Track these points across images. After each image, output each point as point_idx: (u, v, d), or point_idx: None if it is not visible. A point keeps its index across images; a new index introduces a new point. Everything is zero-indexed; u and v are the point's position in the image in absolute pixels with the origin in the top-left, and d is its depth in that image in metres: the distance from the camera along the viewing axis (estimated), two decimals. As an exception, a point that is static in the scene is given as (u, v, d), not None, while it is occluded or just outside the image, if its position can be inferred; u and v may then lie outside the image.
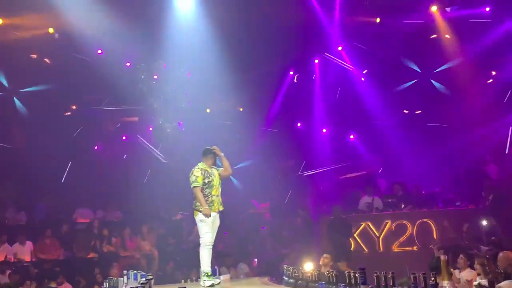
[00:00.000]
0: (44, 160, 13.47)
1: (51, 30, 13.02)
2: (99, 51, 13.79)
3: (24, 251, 11.97)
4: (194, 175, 7.50)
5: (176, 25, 13.32)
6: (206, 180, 7.50)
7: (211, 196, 7.50)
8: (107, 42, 13.09)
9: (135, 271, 6.16)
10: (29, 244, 12.13)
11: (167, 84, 13.95)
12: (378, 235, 11.64)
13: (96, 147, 15.70)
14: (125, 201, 13.76)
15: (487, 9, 13.39)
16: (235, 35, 13.34)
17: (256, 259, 12.89)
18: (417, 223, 11.47)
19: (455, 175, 14.00)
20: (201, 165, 7.65)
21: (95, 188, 14.18)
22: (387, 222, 11.65)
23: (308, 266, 6.35)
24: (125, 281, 6.11)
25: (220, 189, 7.67)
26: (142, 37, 12.89)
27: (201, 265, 7.35)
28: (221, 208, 7.61)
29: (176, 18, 13.40)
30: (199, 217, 7.43)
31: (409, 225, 11.50)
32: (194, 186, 7.45)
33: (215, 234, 7.56)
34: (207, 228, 7.38)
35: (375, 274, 4.38)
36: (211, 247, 7.43)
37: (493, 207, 11.24)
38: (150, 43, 13.28)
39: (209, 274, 7.29)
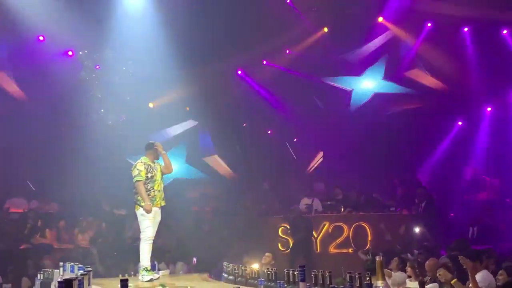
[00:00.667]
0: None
1: None
2: (41, 38, 13.41)
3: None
4: (137, 169, 7.43)
5: (124, 13, 13.11)
6: (149, 175, 7.45)
7: (153, 191, 7.45)
8: (49, 28, 12.71)
9: (72, 263, 6.01)
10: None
11: (111, 75, 13.69)
12: (316, 236, 11.90)
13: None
14: (62, 192, 13.36)
15: None
16: (184, 28, 13.28)
17: (195, 258, 12.86)
18: (353, 226, 11.81)
19: (391, 181, 14.59)
20: (144, 159, 7.59)
21: (30, 177, 13.72)
22: (325, 224, 11.93)
23: (254, 266, 6.42)
24: (61, 273, 5.95)
25: (162, 184, 7.65)
26: (87, 24, 12.59)
27: (140, 259, 7.31)
28: (163, 203, 7.57)
29: (124, 6, 13.19)
30: (140, 211, 7.38)
31: (345, 228, 11.83)
32: (137, 180, 7.38)
33: (155, 229, 7.52)
34: (148, 223, 7.35)
35: (313, 273, 4.52)
36: (152, 242, 7.39)
37: (425, 213, 11.79)
38: (95, 31, 12.99)
39: (148, 269, 7.27)
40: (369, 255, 9.50)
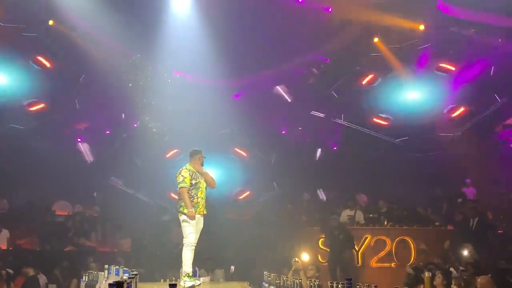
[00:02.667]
0: (26, 151, 13.39)
1: (50, 22, 13.00)
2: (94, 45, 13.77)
3: (0, 239, 11.82)
4: (182, 176, 7.45)
5: (172, 23, 13.36)
6: (193, 182, 7.47)
7: (197, 198, 7.47)
8: (103, 37, 13.09)
9: (117, 266, 6.10)
10: (5, 232, 11.98)
11: (159, 82, 13.92)
12: (357, 249, 11.69)
13: (79, 139, 15.58)
14: (106, 196, 13.68)
15: None
16: (230, 39, 13.42)
17: (233, 267, 12.88)
18: (396, 239, 11.54)
19: (435, 195, 14.24)
20: (189, 166, 7.61)
21: (75, 182, 14.08)
22: (367, 237, 11.71)
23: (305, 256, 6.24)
24: (106, 276, 6.05)
25: (205, 192, 7.64)
26: (138, 32, 12.90)
27: (182, 265, 7.32)
28: (205, 212, 7.58)
29: (173, 16, 13.44)
30: (182, 217, 7.41)
31: (388, 241, 11.58)
32: (181, 187, 7.41)
33: (198, 235, 7.55)
34: (191, 229, 7.37)
35: (358, 286, 4.44)
36: (194, 248, 7.40)
37: (477, 230, 11.45)
38: (146, 39, 13.29)
39: (190, 275, 7.29)
40: (413, 270, 9.25)
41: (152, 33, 13.21)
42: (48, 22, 12.98)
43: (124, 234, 12.85)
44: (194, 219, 7.36)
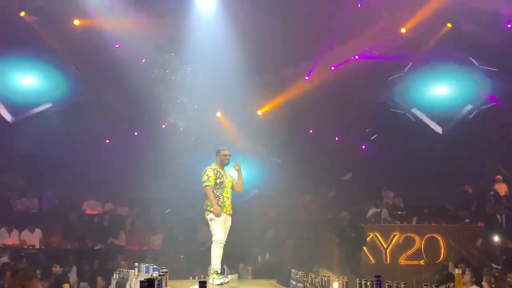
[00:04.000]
0: (55, 151, 13.66)
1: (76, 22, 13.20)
2: (117, 45, 13.98)
3: (33, 238, 12.10)
4: (207, 175, 7.47)
5: (196, 23, 13.44)
6: (218, 181, 7.48)
7: (223, 197, 7.48)
8: (126, 37, 13.24)
9: (147, 264, 6.17)
10: (38, 232, 12.26)
11: (187, 79, 13.99)
12: (385, 247, 11.60)
13: (107, 141, 15.83)
14: (136, 194, 13.85)
15: None
16: (255, 36, 13.43)
17: (268, 253, 12.94)
18: (425, 237, 11.41)
19: (464, 192, 14.00)
20: (214, 165, 7.62)
21: (104, 181, 14.29)
22: (395, 234, 11.61)
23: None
24: (136, 273, 6.12)
25: (230, 192, 7.64)
26: (161, 35, 13.01)
27: (211, 262, 7.36)
28: (231, 212, 7.56)
29: (197, 17, 13.52)
30: (210, 216, 7.42)
31: (417, 239, 11.46)
32: (206, 186, 7.43)
33: (226, 233, 7.56)
34: (219, 226, 7.36)
35: (387, 283, 4.40)
36: (223, 245, 7.41)
37: (506, 225, 11.24)
38: (169, 40, 13.40)
39: (219, 272, 7.32)
40: (444, 268, 9.11)
41: (179, 31, 13.31)
42: (73, 22, 13.17)
43: (155, 231, 12.99)
44: (220, 216, 7.36)
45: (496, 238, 10.59)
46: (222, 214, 7.38)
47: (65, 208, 13.62)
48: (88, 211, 13.78)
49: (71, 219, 13.17)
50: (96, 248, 12.41)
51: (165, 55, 13.59)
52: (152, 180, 13.37)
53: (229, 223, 7.58)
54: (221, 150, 7.72)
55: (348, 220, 11.79)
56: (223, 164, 7.63)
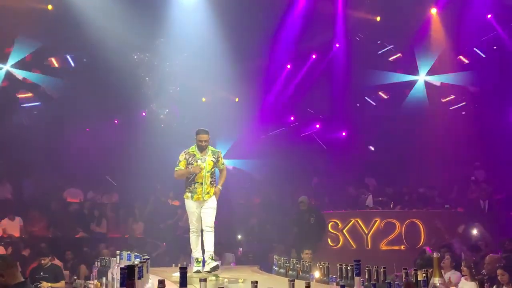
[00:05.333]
0: (36, 139, 13.49)
1: (49, 7, 12.96)
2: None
3: (14, 227, 11.98)
4: (178, 159, 7.16)
5: (179, 6, 13.33)
6: (190, 166, 7.05)
7: (194, 183, 7.06)
8: (108, 23, 13.06)
9: (129, 252, 6.15)
10: (18, 220, 12.14)
11: (166, 65, 13.90)
12: (366, 232, 11.73)
13: (87, 129, 15.67)
14: (118, 182, 13.77)
15: None
16: (238, 24, 13.39)
17: (240, 249, 13.00)
18: (405, 222, 11.56)
19: (444, 178, 14.19)
20: (192, 148, 7.20)
21: (87, 169, 14.19)
22: (376, 220, 11.74)
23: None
24: (118, 261, 6.11)
25: (209, 179, 7.13)
26: (143, 20, 12.87)
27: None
28: (205, 198, 7.07)
29: (180, 3, 13.41)
30: (185, 202, 7.24)
31: (398, 224, 11.60)
32: (175, 171, 7.13)
33: (208, 218, 7.05)
34: (190, 215, 7.19)
35: (367, 268, 4.46)
36: (197, 234, 7.16)
37: (487, 212, 11.45)
38: (151, 26, 13.26)
39: (199, 260, 7.14)
40: (424, 251, 9.27)
41: (159, 21, 13.19)
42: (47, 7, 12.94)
43: (136, 219, 12.96)
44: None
45: (477, 224, 10.77)
46: (191, 202, 7.09)
47: (45, 197, 13.49)
48: (70, 199, 13.68)
49: (52, 208, 13.05)
50: (78, 236, 12.33)
51: (154, 41, 13.47)
52: (133, 167, 13.28)
53: (209, 205, 7.12)
54: (198, 133, 7.19)
55: (307, 204, 11.72)
56: (200, 147, 7.18)
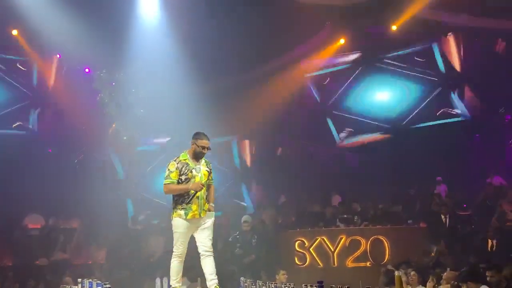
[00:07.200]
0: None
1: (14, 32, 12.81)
2: (58, 55, 13.67)
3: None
4: (168, 169, 6.09)
5: (141, 31, 13.32)
6: (183, 177, 6.07)
7: (188, 198, 6.02)
8: (67, 46, 12.96)
9: (90, 279, 6.04)
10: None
11: (126, 90, 13.83)
12: (333, 250, 11.77)
13: (49, 150, 15.33)
14: (80, 207, 13.48)
15: None
16: (198, 46, 13.44)
17: (199, 278, 12.77)
18: (370, 239, 11.65)
19: (407, 194, 14.44)
20: (183, 155, 6.18)
21: (48, 194, 13.83)
22: (342, 237, 11.79)
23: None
24: (80, 290, 6.00)
25: (205, 193, 6.19)
26: (104, 43, 12.80)
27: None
28: (202, 215, 6.13)
29: (140, 26, 13.40)
30: (173, 221, 6.15)
31: (363, 241, 11.68)
32: (164, 184, 6.07)
33: (207, 240, 6.16)
34: (179, 236, 6.10)
35: (331, 287, 4.50)
36: (182, 260, 6.19)
37: (448, 226, 11.69)
38: (112, 49, 13.20)
39: None
40: (387, 269, 9.37)
41: (120, 38, 13.13)
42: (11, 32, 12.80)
43: (99, 245, 12.69)
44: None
45: (439, 239, 10.96)
46: (183, 221, 6.08)
47: (5, 224, 13.06)
48: (31, 226, 13.31)
49: (13, 235, 12.68)
50: (38, 263, 11.98)
51: (103, 72, 13.37)
52: (95, 191, 13.07)
53: (207, 224, 6.20)
54: (199, 138, 6.14)
55: (250, 225, 11.57)
56: (197, 155, 6.20)
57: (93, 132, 14.61)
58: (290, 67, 15.83)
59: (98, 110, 13.95)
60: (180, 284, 6.27)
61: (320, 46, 15.61)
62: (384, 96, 16.24)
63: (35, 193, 13.54)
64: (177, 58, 13.40)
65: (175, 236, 6.16)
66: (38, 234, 12.86)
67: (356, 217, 12.54)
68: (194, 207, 6.08)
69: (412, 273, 8.21)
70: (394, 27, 14.76)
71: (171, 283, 6.25)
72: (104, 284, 5.42)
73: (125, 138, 14.06)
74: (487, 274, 6.77)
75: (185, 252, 6.21)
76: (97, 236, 12.82)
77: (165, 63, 13.50)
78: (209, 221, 6.20)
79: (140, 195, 14.74)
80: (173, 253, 6.18)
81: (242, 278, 7.27)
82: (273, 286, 5.99)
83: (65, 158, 14.58)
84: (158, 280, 7.79)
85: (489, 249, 10.80)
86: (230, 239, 11.71)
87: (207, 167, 6.27)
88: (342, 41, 15.58)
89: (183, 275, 6.37)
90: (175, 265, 6.17)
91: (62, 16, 12.31)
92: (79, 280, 6.02)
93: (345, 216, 12.79)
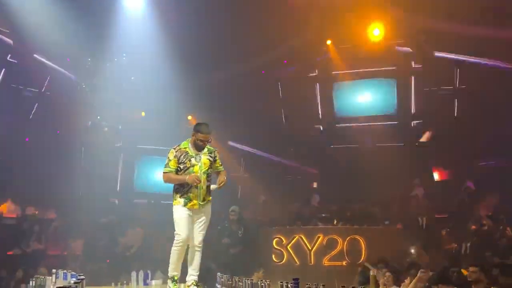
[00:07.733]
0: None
1: None
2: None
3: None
4: (168, 158, 6.10)
5: (124, 21, 13.23)
6: (182, 166, 6.07)
7: (188, 187, 6.05)
8: (50, 35, 12.79)
9: (65, 271, 6.00)
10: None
11: (109, 84, 13.75)
12: (310, 248, 11.87)
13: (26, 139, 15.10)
14: (58, 197, 13.31)
15: None
16: (183, 39, 13.37)
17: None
18: (347, 239, 11.77)
19: (385, 194, 14.60)
20: (184, 143, 6.18)
21: (25, 182, 13.64)
22: (319, 236, 11.90)
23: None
24: (54, 280, 5.94)
25: (205, 183, 6.18)
26: (87, 32, 12.67)
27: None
28: (201, 204, 6.16)
29: (124, 15, 13.31)
30: (173, 209, 6.18)
31: (340, 240, 11.79)
32: (163, 172, 6.08)
33: (199, 235, 6.21)
34: (180, 222, 6.08)
35: (307, 285, 4.54)
36: (185, 246, 6.16)
37: (426, 228, 11.86)
38: (95, 40, 13.08)
39: (175, 278, 6.29)
40: (363, 269, 9.47)
41: (104, 29, 13.01)
42: None
43: (76, 236, 12.58)
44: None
45: (414, 240, 11.12)
46: (183, 208, 6.11)
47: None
48: (6, 215, 13.11)
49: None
50: (11, 253, 11.83)
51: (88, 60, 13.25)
52: (73, 181, 12.95)
53: (203, 217, 6.26)
54: (199, 131, 6.09)
55: (237, 214, 11.64)
56: (197, 145, 6.16)
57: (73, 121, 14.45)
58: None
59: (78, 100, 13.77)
60: (178, 273, 6.26)
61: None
62: (367, 97, 16.26)
63: (11, 182, 13.35)
64: (163, 50, 13.30)
65: (175, 223, 6.16)
66: (14, 223, 12.65)
67: (334, 218, 12.65)
68: (193, 197, 6.12)
69: (387, 274, 8.29)
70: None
71: (169, 271, 6.28)
72: (79, 275, 5.37)
73: (106, 129, 13.95)
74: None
75: (187, 239, 6.13)
76: (73, 228, 12.67)
77: (152, 52, 13.40)
78: (206, 214, 6.26)
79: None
80: (174, 241, 6.17)
81: (218, 274, 7.28)
82: (249, 282, 6.01)
83: (43, 145, 14.34)
84: (134, 274, 7.77)
85: (462, 252, 10.99)
86: (218, 227, 11.71)
87: (209, 155, 6.23)
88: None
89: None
90: (177, 251, 6.13)
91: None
92: (54, 271, 5.96)
93: (323, 215, 12.92)
